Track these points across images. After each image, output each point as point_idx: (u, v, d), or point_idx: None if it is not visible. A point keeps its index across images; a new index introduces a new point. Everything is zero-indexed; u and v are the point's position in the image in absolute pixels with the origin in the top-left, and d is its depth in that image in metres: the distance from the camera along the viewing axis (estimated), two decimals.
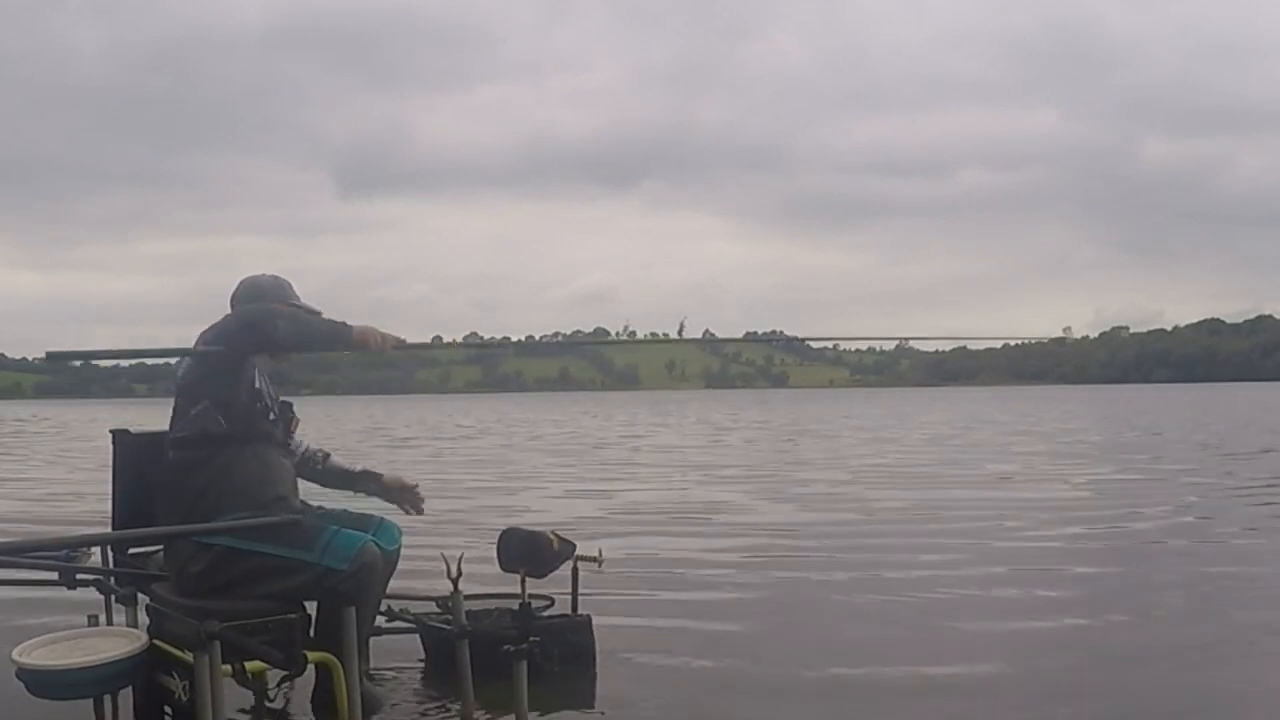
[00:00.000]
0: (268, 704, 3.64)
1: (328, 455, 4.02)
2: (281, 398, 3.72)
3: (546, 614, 4.24)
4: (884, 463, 15.20)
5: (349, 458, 4.16)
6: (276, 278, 3.84)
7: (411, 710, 3.81)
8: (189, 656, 3.10)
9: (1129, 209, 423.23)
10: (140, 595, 3.79)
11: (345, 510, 3.78)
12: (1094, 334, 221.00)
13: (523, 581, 3.81)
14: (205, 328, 3.59)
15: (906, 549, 7.24)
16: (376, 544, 3.49)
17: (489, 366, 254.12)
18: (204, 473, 3.44)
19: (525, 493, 11.18)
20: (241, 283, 3.81)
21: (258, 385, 3.56)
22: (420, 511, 4.06)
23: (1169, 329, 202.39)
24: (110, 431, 3.79)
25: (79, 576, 3.93)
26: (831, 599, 5.75)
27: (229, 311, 3.71)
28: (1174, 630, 4.90)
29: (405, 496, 4.03)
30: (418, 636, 4.27)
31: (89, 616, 3.70)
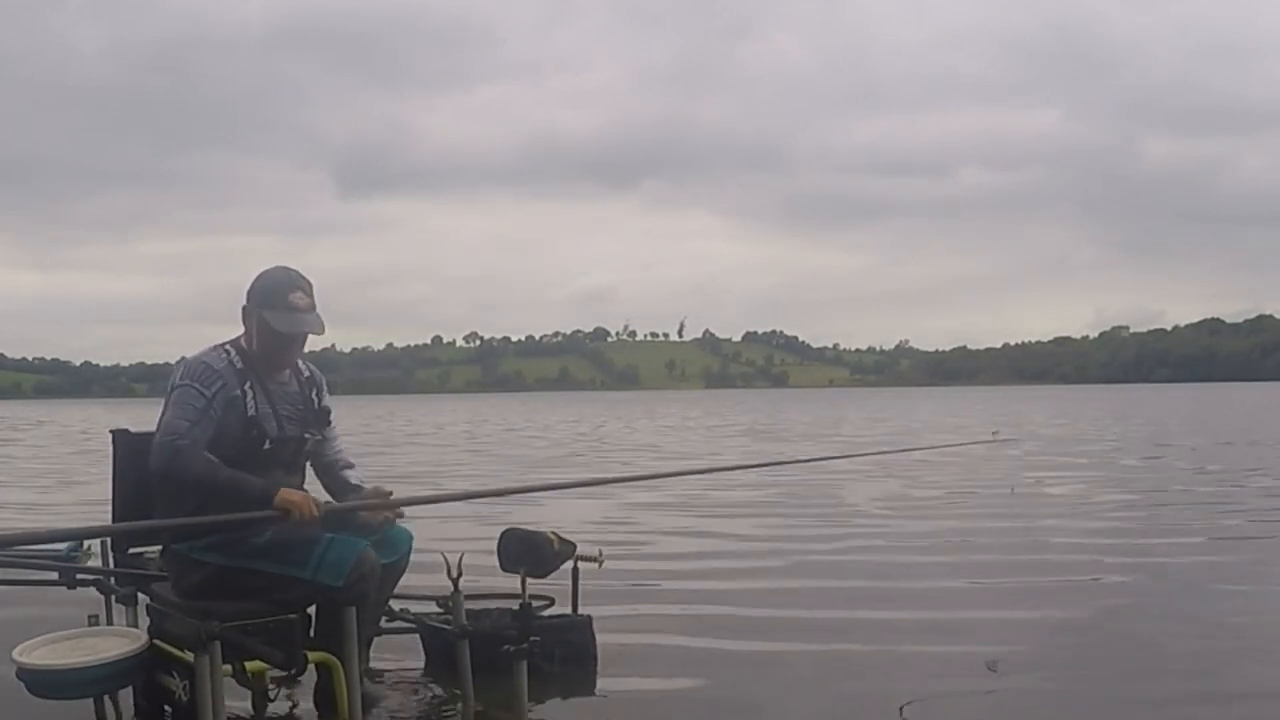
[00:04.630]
0: (268, 704, 3.64)
1: (348, 465, 3.78)
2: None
3: (546, 614, 4.23)
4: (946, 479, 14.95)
5: (360, 472, 3.82)
6: (288, 271, 3.57)
7: (411, 710, 3.81)
8: (189, 656, 3.10)
9: (1129, 209, 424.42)
10: (140, 595, 3.78)
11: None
12: (1094, 334, 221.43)
13: (523, 581, 3.80)
14: (191, 357, 3.49)
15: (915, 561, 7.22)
16: (375, 551, 3.41)
17: (489, 366, 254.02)
18: (198, 493, 3.36)
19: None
20: (256, 280, 3.55)
21: (252, 414, 3.45)
22: (389, 523, 3.61)
23: (1169, 329, 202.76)
24: (110, 431, 3.78)
25: (79, 576, 3.94)
26: (835, 602, 5.75)
27: (243, 305, 3.56)
28: None
29: (373, 508, 3.60)
30: (418, 636, 4.27)
31: (89, 616, 3.70)
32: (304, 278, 3.57)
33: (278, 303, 3.48)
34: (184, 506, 3.35)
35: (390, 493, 3.69)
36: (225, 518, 3.26)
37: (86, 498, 11.07)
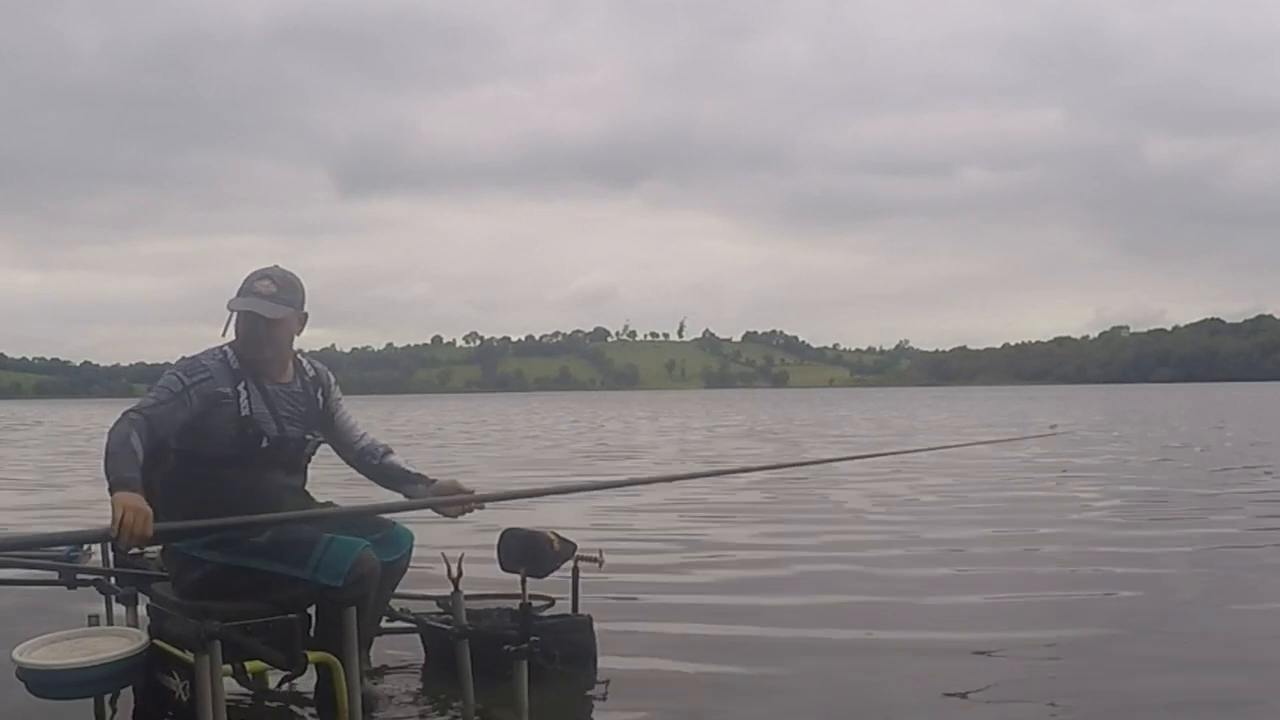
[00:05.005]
0: (268, 704, 3.64)
1: (387, 451, 3.81)
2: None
3: (546, 614, 4.23)
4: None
5: (406, 457, 3.87)
6: (272, 267, 3.60)
7: (411, 710, 3.81)
8: (189, 656, 3.10)
9: (1130, 209, 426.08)
10: (140, 595, 3.78)
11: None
12: (1094, 334, 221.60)
13: (523, 581, 3.80)
14: (194, 352, 3.54)
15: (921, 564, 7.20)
16: (374, 551, 3.41)
17: (489, 366, 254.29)
18: (197, 489, 3.39)
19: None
20: (246, 279, 3.58)
21: (245, 413, 3.47)
22: (458, 515, 3.67)
23: (1169, 329, 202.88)
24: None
25: (79, 576, 3.93)
26: (834, 602, 5.74)
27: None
28: None
29: (453, 504, 3.64)
30: (418, 636, 4.26)
31: (89, 616, 3.70)
32: (286, 274, 3.59)
33: (244, 289, 3.54)
34: (182, 507, 3.36)
35: (472, 490, 3.69)
36: (221, 522, 3.25)
37: (72, 500, 11.06)
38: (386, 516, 3.66)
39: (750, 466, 13.26)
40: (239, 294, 3.54)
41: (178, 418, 3.38)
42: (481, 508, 3.68)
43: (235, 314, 3.54)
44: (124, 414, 3.34)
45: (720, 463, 15.83)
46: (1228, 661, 4.43)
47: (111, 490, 3.09)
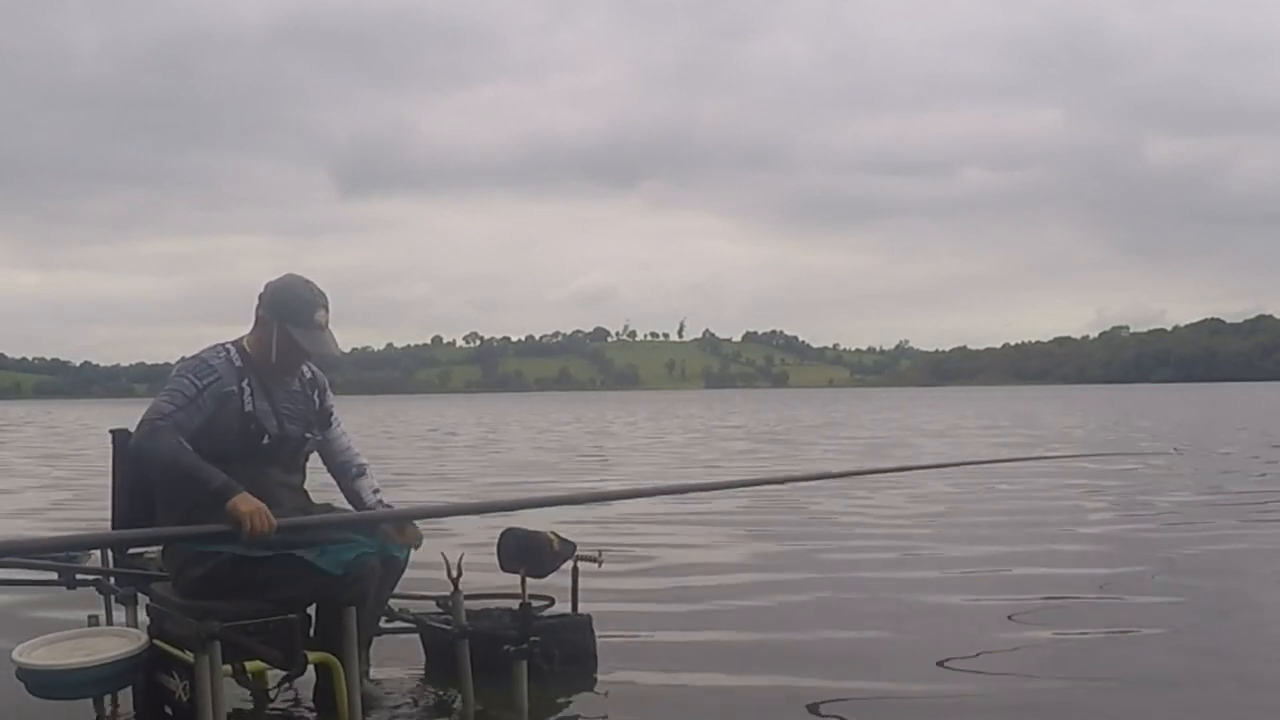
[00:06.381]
0: (268, 704, 3.64)
1: (361, 471, 3.82)
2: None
3: (546, 614, 4.23)
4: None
5: (377, 478, 3.87)
6: (309, 285, 3.58)
7: (411, 710, 3.81)
8: (189, 656, 3.10)
9: (1130, 209, 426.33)
10: (140, 595, 3.79)
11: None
12: (1094, 334, 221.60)
13: (523, 581, 3.80)
14: (197, 350, 3.56)
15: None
16: (373, 553, 3.42)
17: (489, 366, 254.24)
18: (164, 474, 3.38)
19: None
20: (268, 286, 3.59)
21: (249, 409, 3.49)
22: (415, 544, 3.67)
23: (1169, 329, 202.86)
24: (110, 431, 3.79)
25: (79, 576, 3.93)
26: (836, 603, 5.73)
27: (257, 309, 3.58)
28: None
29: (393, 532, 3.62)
30: (418, 636, 4.26)
31: (89, 616, 3.70)
32: (323, 292, 3.61)
33: (304, 320, 3.53)
34: (182, 503, 3.36)
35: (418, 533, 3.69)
36: (191, 530, 3.26)
37: (55, 502, 11.06)
38: None
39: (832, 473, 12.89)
40: (297, 324, 3.51)
41: (194, 423, 3.41)
42: (417, 545, 3.68)
43: (279, 332, 3.51)
44: (150, 423, 3.35)
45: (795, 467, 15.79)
46: None
47: (219, 498, 3.18)
